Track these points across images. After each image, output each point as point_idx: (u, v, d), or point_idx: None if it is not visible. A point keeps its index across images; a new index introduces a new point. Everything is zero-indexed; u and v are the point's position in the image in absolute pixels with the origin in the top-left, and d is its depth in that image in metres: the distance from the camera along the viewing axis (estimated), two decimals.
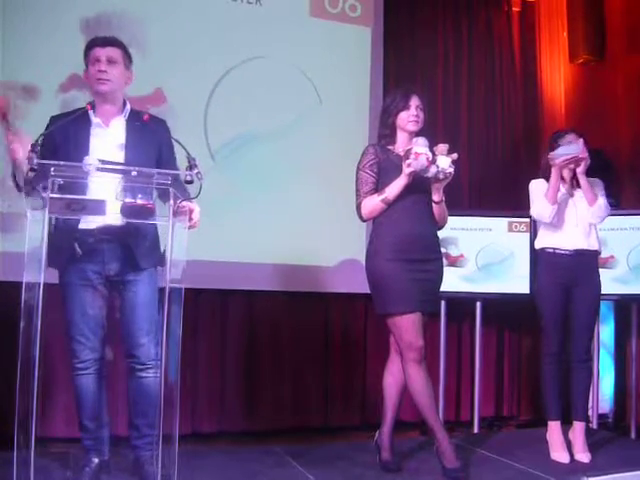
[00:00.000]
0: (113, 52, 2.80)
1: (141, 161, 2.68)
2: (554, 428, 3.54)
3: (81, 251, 2.70)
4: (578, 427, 3.52)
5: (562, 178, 3.54)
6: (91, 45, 2.83)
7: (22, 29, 3.88)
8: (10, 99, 2.34)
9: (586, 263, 3.56)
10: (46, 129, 2.72)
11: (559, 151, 3.42)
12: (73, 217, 2.57)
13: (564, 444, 3.49)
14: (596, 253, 3.60)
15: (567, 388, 3.58)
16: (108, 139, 2.79)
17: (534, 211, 3.56)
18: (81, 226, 2.69)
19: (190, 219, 2.58)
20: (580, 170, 3.45)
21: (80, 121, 2.76)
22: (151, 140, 2.84)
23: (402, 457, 3.38)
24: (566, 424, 3.57)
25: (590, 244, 3.55)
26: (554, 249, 3.54)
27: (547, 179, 3.52)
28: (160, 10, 4.24)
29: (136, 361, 2.82)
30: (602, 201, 3.51)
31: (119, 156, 2.76)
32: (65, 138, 2.73)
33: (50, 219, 2.55)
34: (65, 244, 2.70)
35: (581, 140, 3.42)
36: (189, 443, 3.30)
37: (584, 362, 3.56)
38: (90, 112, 2.80)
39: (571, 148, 3.40)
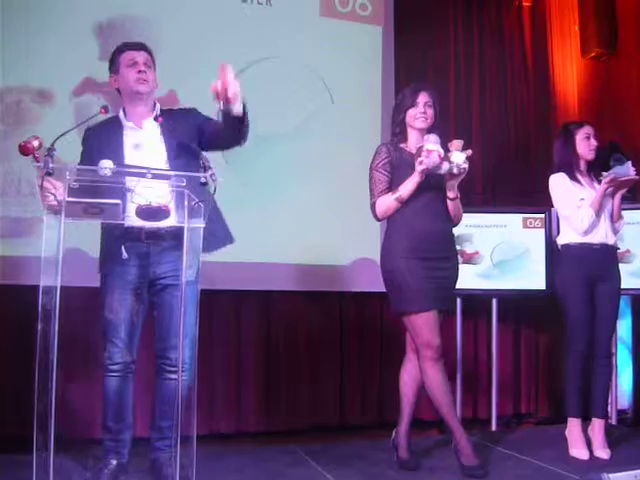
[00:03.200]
0: (148, 57, 2.89)
1: (181, 155, 2.77)
2: (574, 425, 3.51)
3: (127, 255, 2.73)
4: (597, 424, 3.50)
5: (580, 171, 3.56)
6: (124, 49, 2.89)
7: (35, 33, 3.91)
8: (42, 141, 2.33)
9: (610, 258, 3.56)
10: (83, 142, 2.86)
11: (620, 170, 3.42)
12: (92, 220, 2.59)
13: (584, 441, 3.47)
14: (616, 249, 3.61)
15: (587, 384, 3.55)
16: (143, 140, 2.83)
17: (575, 221, 3.45)
18: (127, 228, 2.70)
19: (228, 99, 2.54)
20: (623, 191, 3.49)
21: (112, 127, 2.85)
22: (186, 129, 2.87)
23: (420, 455, 3.38)
24: (585, 420, 3.54)
25: (614, 240, 3.56)
26: (581, 244, 3.50)
27: (566, 172, 3.53)
28: (172, 13, 4.27)
29: (168, 363, 2.82)
30: (623, 221, 3.60)
31: (160, 154, 2.80)
32: (99, 146, 2.79)
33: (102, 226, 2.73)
34: (113, 248, 2.75)
35: (629, 162, 3.46)
36: (207, 444, 3.31)
37: (607, 358, 3.54)
38: (121, 116, 2.87)
39: (629, 169, 3.41)
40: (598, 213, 3.45)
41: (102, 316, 2.82)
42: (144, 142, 2.83)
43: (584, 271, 3.47)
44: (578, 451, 3.44)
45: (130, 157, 2.76)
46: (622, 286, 3.66)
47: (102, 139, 2.81)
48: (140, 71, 2.83)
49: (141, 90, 2.84)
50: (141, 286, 2.81)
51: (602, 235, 3.50)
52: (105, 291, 2.82)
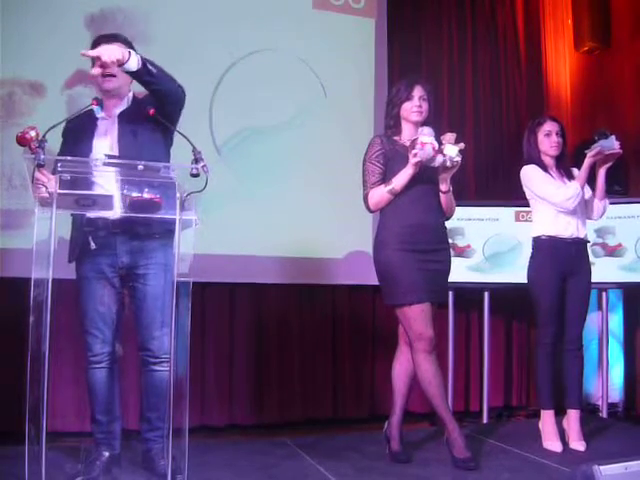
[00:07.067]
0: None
1: (132, 149, 2.72)
2: (547, 417, 3.52)
3: (95, 244, 2.73)
4: (572, 415, 3.51)
5: (547, 167, 3.55)
6: (96, 43, 2.85)
7: (27, 26, 3.89)
8: (39, 132, 2.33)
9: (581, 252, 3.55)
10: (63, 134, 2.84)
11: (605, 144, 3.37)
12: (81, 213, 2.60)
13: (557, 433, 3.48)
14: (587, 242, 3.60)
15: (559, 376, 3.56)
16: (108, 130, 2.83)
17: (560, 195, 3.41)
18: (93, 218, 2.71)
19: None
20: (608, 165, 3.44)
21: (88, 118, 2.83)
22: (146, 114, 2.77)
23: (412, 448, 3.38)
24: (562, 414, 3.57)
25: (585, 233, 3.55)
26: (553, 237, 3.49)
27: (537, 164, 3.52)
28: (163, 4, 4.25)
29: (150, 354, 2.82)
30: (607, 202, 3.55)
31: (114, 147, 2.79)
32: (74, 136, 2.80)
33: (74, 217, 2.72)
34: (80, 238, 2.76)
35: (613, 136, 3.41)
36: (199, 436, 3.32)
37: (577, 350, 3.54)
38: (96, 108, 2.84)
39: (614, 143, 3.37)
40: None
41: (78, 308, 2.83)
42: (108, 132, 2.82)
43: (555, 265, 3.47)
44: (551, 443, 3.45)
45: (96, 147, 2.76)
46: (613, 280, 3.67)
47: (78, 130, 2.82)
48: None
49: (106, 87, 2.82)
50: (113, 276, 2.81)
51: (574, 228, 3.49)
52: (78, 282, 2.83)
